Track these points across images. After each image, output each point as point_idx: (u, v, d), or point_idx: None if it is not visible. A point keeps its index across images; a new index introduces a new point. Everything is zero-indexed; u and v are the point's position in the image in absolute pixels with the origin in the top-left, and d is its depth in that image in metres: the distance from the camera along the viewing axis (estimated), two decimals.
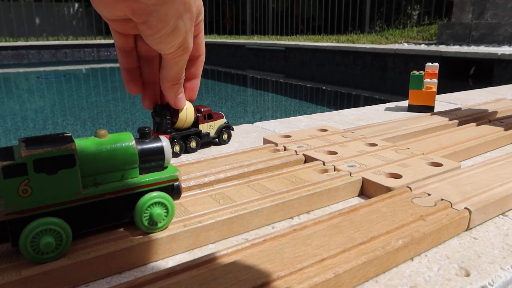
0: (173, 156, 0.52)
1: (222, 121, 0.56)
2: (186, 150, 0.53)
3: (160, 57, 0.44)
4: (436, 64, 0.75)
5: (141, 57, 0.45)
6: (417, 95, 0.76)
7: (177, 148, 0.51)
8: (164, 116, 0.48)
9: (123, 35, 0.41)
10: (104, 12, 0.34)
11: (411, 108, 0.78)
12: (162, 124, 0.48)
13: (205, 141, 0.55)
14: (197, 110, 0.53)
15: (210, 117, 0.55)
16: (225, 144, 0.58)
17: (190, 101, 0.48)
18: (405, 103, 0.87)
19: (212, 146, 0.56)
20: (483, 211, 0.34)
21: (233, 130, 0.59)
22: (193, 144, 0.53)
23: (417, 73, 0.75)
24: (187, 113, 0.49)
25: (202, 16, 0.40)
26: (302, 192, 0.37)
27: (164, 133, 0.49)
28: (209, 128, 0.55)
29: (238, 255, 0.27)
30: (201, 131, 0.54)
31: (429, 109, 0.76)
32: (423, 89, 0.75)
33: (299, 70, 4.68)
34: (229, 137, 0.58)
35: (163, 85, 0.43)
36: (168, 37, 0.36)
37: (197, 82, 0.48)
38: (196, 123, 0.53)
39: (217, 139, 0.57)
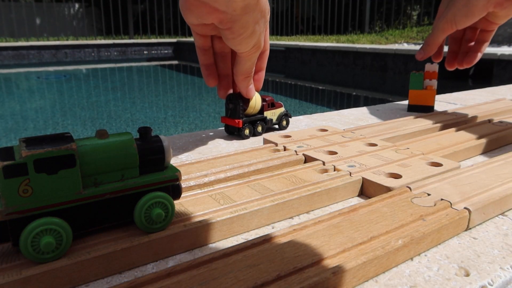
0: (243, 138, 0.59)
1: (282, 109, 0.64)
2: (254, 133, 0.60)
3: (232, 53, 0.52)
4: (436, 64, 0.75)
5: (216, 54, 0.52)
6: (417, 95, 0.76)
7: (246, 132, 0.59)
8: (237, 103, 0.56)
9: (203, 36, 0.48)
10: (193, 20, 0.41)
11: (411, 108, 0.78)
12: (236, 110, 0.57)
13: (269, 126, 0.63)
14: (262, 99, 0.60)
15: (272, 105, 0.62)
16: (284, 129, 0.65)
17: (257, 90, 0.56)
18: (405, 103, 0.87)
19: (212, 146, 0.56)
20: (483, 211, 0.34)
21: (290, 117, 0.66)
22: (259, 128, 0.61)
23: (417, 73, 0.75)
24: (256, 101, 0.58)
25: (268, 17, 0.45)
26: (302, 192, 0.37)
27: (237, 118, 0.57)
28: (272, 115, 0.63)
29: (238, 255, 0.27)
30: (266, 117, 0.61)
31: (429, 109, 0.76)
32: (423, 89, 0.75)
33: (299, 70, 4.68)
34: (287, 123, 0.65)
35: (236, 78, 0.50)
36: (246, 39, 0.41)
37: (263, 74, 0.55)
38: (261, 110, 0.61)
39: (277, 125, 0.65)
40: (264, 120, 0.61)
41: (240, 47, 0.43)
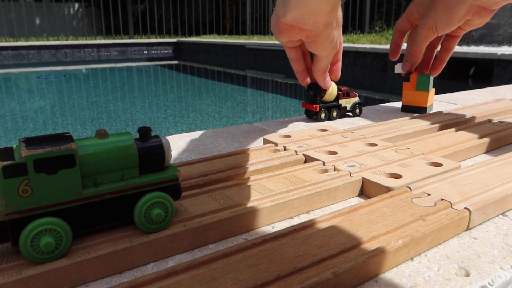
0: (319, 121, 0.68)
1: (356, 98, 0.72)
2: (329, 118, 0.69)
3: (310, 52, 0.59)
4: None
5: None
6: (425, 96, 0.75)
7: (322, 115, 0.68)
8: (316, 91, 0.65)
9: (294, 49, 0.58)
10: (284, 39, 0.49)
11: (424, 110, 0.75)
12: (314, 97, 0.66)
13: (343, 113, 0.71)
14: (338, 89, 0.68)
15: (347, 94, 0.71)
16: (357, 116, 0.73)
17: (335, 80, 0.65)
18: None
19: (212, 146, 0.56)
20: (483, 211, 0.34)
21: (364, 106, 0.74)
22: (334, 114, 0.69)
23: (424, 74, 0.73)
24: (332, 90, 0.66)
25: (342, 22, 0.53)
26: (302, 192, 0.37)
27: (315, 104, 0.67)
28: (346, 103, 0.71)
29: (238, 255, 0.27)
30: (340, 104, 0.70)
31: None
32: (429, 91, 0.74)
33: None
34: (361, 111, 0.73)
35: (315, 74, 0.60)
36: (327, 46, 0.50)
37: (339, 65, 0.64)
38: (337, 98, 0.69)
39: (351, 113, 0.73)
40: (339, 106, 0.69)
41: (321, 52, 0.52)
